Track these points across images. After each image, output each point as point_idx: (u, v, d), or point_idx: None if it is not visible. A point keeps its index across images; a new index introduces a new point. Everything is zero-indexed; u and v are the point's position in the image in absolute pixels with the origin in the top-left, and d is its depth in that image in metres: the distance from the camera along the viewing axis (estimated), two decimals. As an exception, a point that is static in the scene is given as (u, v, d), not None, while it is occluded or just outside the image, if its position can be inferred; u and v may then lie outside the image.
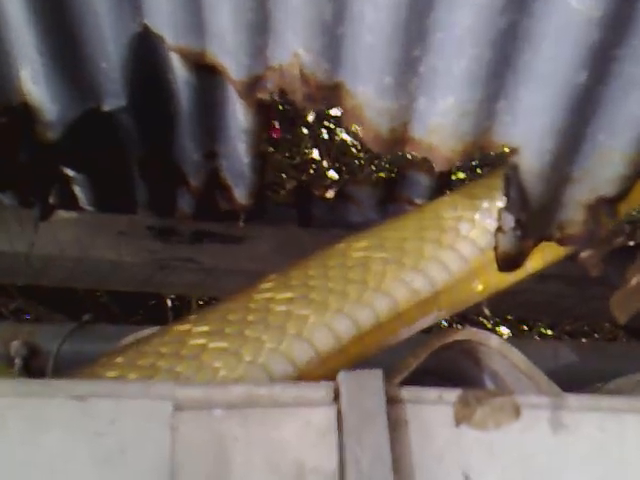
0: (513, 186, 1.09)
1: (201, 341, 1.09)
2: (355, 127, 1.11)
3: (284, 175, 3.49)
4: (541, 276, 1.36)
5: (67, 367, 1.63)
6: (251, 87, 1.17)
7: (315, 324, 1.11)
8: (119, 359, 1.09)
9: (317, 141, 3.87)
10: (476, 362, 1.26)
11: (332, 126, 3.95)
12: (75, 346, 1.70)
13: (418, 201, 1.75)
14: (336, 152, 3.88)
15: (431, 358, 1.19)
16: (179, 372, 1.04)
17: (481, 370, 1.27)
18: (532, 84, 1.03)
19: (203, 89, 1.34)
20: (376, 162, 3.84)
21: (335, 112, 3.96)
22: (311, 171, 3.76)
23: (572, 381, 1.29)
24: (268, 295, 1.15)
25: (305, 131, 3.82)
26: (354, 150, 4.03)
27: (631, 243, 1.64)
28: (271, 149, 3.35)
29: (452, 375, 1.36)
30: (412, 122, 1.11)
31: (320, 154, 3.84)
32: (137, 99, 1.39)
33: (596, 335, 3.70)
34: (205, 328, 1.11)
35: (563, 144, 1.07)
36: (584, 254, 1.23)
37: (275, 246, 1.76)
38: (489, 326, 3.60)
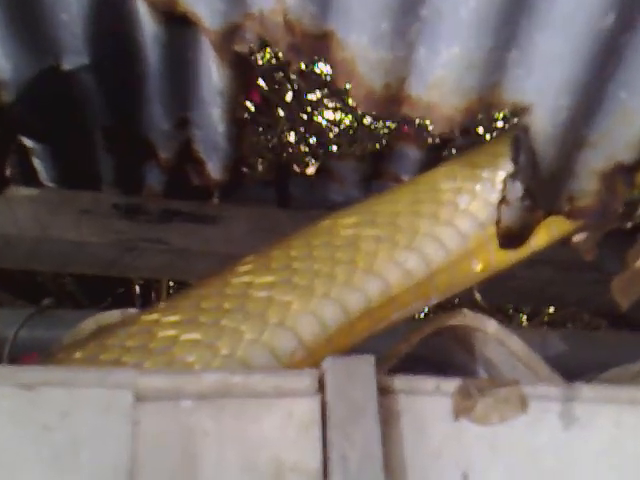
0: (523, 150, 0.99)
1: (172, 332, 0.99)
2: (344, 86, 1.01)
3: (260, 159, 3.40)
4: (530, 262, 1.27)
5: (27, 355, 1.57)
6: (228, 38, 1.07)
7: (299, 311, 1.01)
8: (78, 354, 0.98)
9: (294, 124, 3.79)
10: (469, 349, 1.18)
11: (309, 109, 3.88)
12: (34, 332, 1.62)
13: (405, 177, 1.66)
14: (314, 135, 3.80)
15: (422, 344, 1.11)
16: (147, 368, 0.94)
17: (474, 358, 1.19)
18: (549, 30, 0.94)
19: (174, 45, 1.24)
20: (355, 146, 3.77)
21: (312, 97, 3.90)
22: (286, 155, 3.67)
23: (561, 371, 1.22)
24: (246, 279, 1.04)
25: (282, 113, 3.73)
26: (331, 135, 3.96)
27: (628, 225, 1.56)
28: (247, 130, 3.27)
29: (443, 363, 1.28)
30: (410, 77, 1.01)
31: (297, 137, 3.76)
32: (101, 57, 1.29)
33: (569, 325, 3.65)
34: (176, 317, 1.00)
35: (581, 102, 0.98)
36: (578, 237, 1.15)
37: (251, 227, 1.68)
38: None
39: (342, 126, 3.99)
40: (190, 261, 1.70)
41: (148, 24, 1.20)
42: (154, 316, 1.00)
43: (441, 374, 1.30)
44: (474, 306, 3.39)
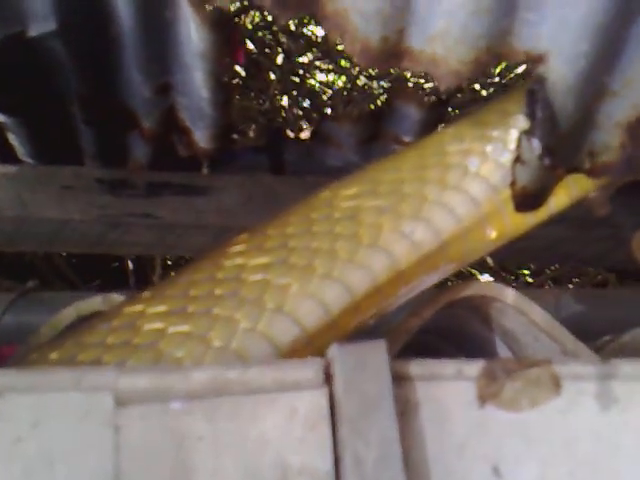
0: (539, 104, 0.89)
1: (158, 325, 0.89)
2: (337, 41, 0.90)
3: (253, 125, 3.34)
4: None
5: (11, 340, 1.52)
6: (206, -7, 0.97)
7: (299, 294, 0.91)
8: (54, 355, 0.88)
9: (286, 87, 3.72)
10: (485, 320, 1.11)
11: (301, 72, 3.81)
12: (19, 317, 1.57)
13: (406, 138, 1.58)
14: (307, 98, 3.73)
15: (433, 316, 1.04)
16: (129, 367, 0.85)
17: (491, 329, 1.13)
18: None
19: (149, 5, 1.17)
20: (349, 107, 3.71)
21: (303, 59, 3.83)
22: (280, 119, 3.61)
23: (577, 334, 1.15)
24: (239, 261, 0.94)
25: (273, 76, 3.66)
26: (325, 97, 3.90)
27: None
28: (237, 97, 3.21)
29: (455, 334, 1.21)
30: (410, 28, 0.91)
31: (290, 101, 3.69)
32: (70, 21, 1.22)
33: (577, 280, 3.60)
34: (162, 308, 0.91)
35: (602, 47, 0.88)
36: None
37: (244, 196, 1.62)
38: (467, 273, 3.48)
39: (335, 88, 3.92)
40: (181, 235, 1.65)
41: None
42: (138, 307, 0.91)
43: (457, 347, 1.24)
44: (482, 267, 3.36)
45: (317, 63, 3.86)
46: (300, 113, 3.70)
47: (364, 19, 0.89)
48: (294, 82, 3.73)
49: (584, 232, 1.69)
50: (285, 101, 3.70)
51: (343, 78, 3.90)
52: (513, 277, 3.64)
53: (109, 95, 1.40)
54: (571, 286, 3.46)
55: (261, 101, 3.54)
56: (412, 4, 0.89)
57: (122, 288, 2.54)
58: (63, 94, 1.41)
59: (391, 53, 0.91)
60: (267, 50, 3.62)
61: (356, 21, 0.89)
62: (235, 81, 2.83)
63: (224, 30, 1.13)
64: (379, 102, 3.15)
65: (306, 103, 3.74)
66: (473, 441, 0.72)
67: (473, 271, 3.45)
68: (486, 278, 3.57)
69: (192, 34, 1.16)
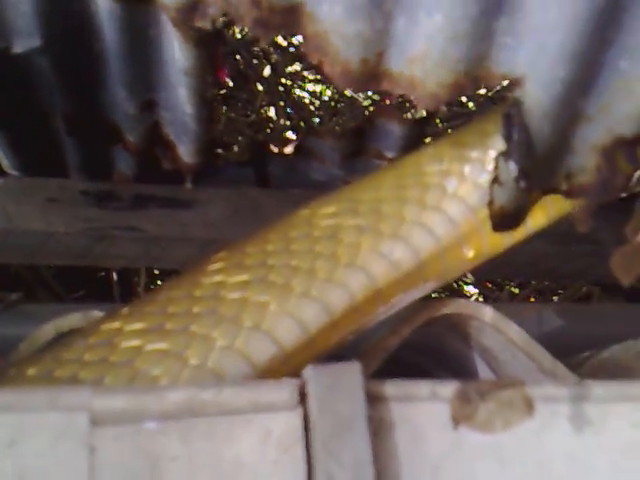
0: (515, 127, 0.90)
1: (135, 342, 0.89)
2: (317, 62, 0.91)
3: (240, 137, 3.33)
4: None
5: None
6: (188, 14, 0.97)
7: (277, 313, 0.91)
8: (32, 370, 0.88)
9: (273, 98, 3.72)
10: (464, 337, 1.12)
11: (289, 82, 3.81)
12: (3, 329, 1.53)
13: (389, 154, 1.59)
14: (293, 109, 3.73)
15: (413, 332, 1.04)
16: (104, 387, 0.85)
17: (469, 346, 1.13)
18: (542, -6, 0.84)
19: (133, 22, 1.17)
20: (335, 119, 3.71)
21: (290, 69, 3.83)
22: (268, 130, 3.61)
23: (559, 349, 1.15)
24: (218, 278, 0.94)
25: (260, 87, 3.66)
26: (312, 108, 3.90)
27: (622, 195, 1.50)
28: (225, 107, 3.21)
29: (434, 350, 1.21)
30: (389, 50, 0.91)
31: (277, 112, 3.69)
32: (55, 38, 1.22)
33: (562, 292, 3.61)
34: (140, 325, 0.90)
35: (577, 72, 0.89)
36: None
37: (229, 210, 1.63)
38: (455, 286, 3.48)
39: (323, 99, 3.92)
40: (167, 248, 1.65)
41: (103, 1, 1.13)
42: (116, 324, 0.91)
43: (437, 362, 1.24)
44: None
45: (304, 73, 3.87)
46: (287, 123, 3.70)
47: (344, 42, 0.90)
48: (281, 93, 3.73)
49: (566, 247, 1.70)
50: (272, 112, 3.71)
51: (331, 88, 3.91)
52: (497, 288, 3.65)
53: (93, 111, 1.41)
54: (555, 298, 3.47)
55: (248, 112, 3.55)
56: (392, 28, 0.90)
57: (107, 299, 2.54)
58: (46, 108, 1.41)
59: (371, 75, 0.92)
60: (255, 61, 3.62)
61: (336, 43, 0.90)
62: (222, 92, 2.84)
63: (207, 48, 1.13)
64: (365, 114, 3.16)
65: (293, 113, 3.75)
66: (447, 462, 0.72)
67: (459, 283, 3.45)
68: (471, 290, 3.58)
69: (176, 52, 1.16)
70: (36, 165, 1.58)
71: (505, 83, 0.91)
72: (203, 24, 0.97)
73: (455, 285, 3.45)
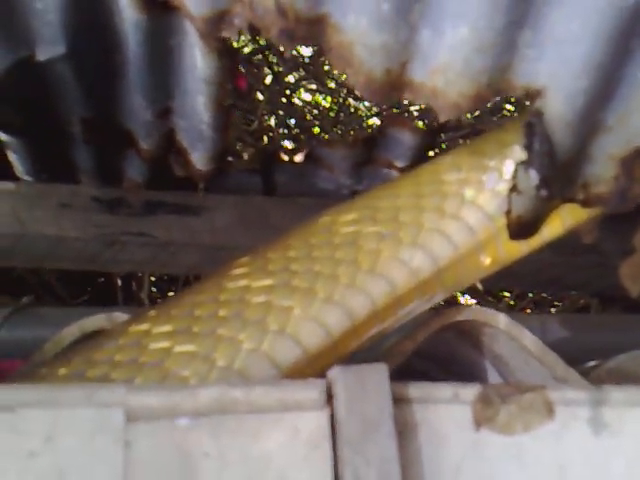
0: (537, 137, 0.92)
1: (164, 344, 0.91)
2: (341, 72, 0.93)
3: (240, 143, 3.35)
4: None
5: (6, 356, 1.52)
6: (215, 24, 0.99)
7: (301, 317, 0.94)
8: (63, 370, 0.90)
9: (274, 107, 3.74)
10: (476, 344, 1.13)
11: (288, 92, 3.83)
12: (14, 332, 1.60)
13: (399, 163, 1.60)
14: (293, 118, 3.75)
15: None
16: (139, 385, 0.86)
17: (481, 353, 1.15)
18: (565, 8, 0.86)
19: (155, 31, 1.17)
20: (335, 129, 3.73)
21: (290, 78, 3.85)
22: (266, 139, 3.62)
23: (563, 359, 1.18)
24: (243, 283, 0.96)
25: (261, 97, 3.68)
26: (310, 116, 3.92)
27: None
28: (232, 117, 3.22)
29: (443, 358, 1.23)
30: (413, 61, 0.93)
31: (277, 121, 3.72)
32: (78, 46, 1.22)
33: (558, 304, 3.62)
34: (168, 327, 0.92)
35: (599, 84, 0.91)
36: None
37: (237, 217, 1.64)
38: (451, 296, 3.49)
39: (321, 108, 3.94)
40: (175, 254, 1.66)
41: (128, 10, 1.14)
42: (144, 326, 0.93)
43: (446, 369, 1.26)
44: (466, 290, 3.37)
45: (304, 83, 3.89)
46: (286, 132, 3.72)
47: (369, 52, 0.92)
48: (282, 102, 3.74)
49: (571, 258, 1.71)
50: (272, 121, 3.73)
51: (329, 98, 3.93)
52: (494, 299, 3.66)
53: (110, 117, 1.42)
54: (553, 310, 3.49)
55: (249, 121, 3.56)
56: (416, 38, 0.92)
57: (110, 303, 2.55)
58: (65, 115, 1.42)
59: (393, 85, 0.94)
60: (255, 70, 3.64)
61: (361, 54, 0.92)
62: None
63: (229, 57, 1.15)
64: (368, 123, 3.17)
65: (292, 122, 3.76)
66: (468, 463, 0.74)
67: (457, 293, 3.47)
68: (469, 300, 3.60)
69: (197, 61, 1.17)
70: (49, 171, 1.59)
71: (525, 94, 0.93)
72: (229, 34, 0.99)
73: (453, 296, 3.48)
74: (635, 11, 0.85)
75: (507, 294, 3.69)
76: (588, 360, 1.31)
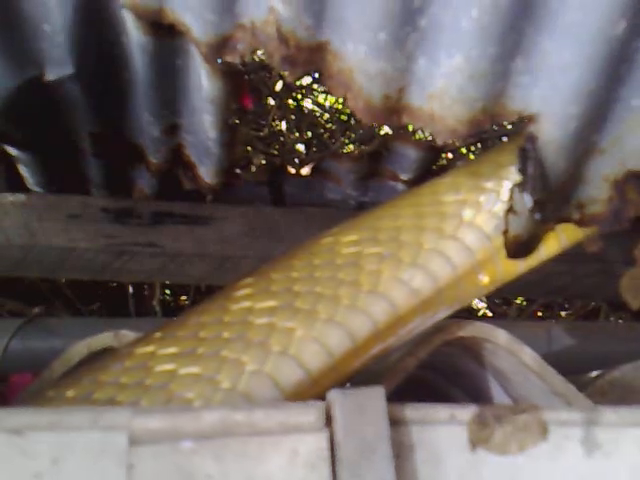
0: (530, 161, 0.94)
1: (169, 367, 0.92)
2: (341, 97, 0.95)
3: (249, 148, 3.36)
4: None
5: (18, 366, 1.54)
6: (218, 49, 1.01)
7: (303, 338, 0.94)
8: (70, 393, 0.91)
9: (285, 113, 3.74)
10: (478, 359, 1.13)
11: (299, 97, 3.83)
12: (26, 342, 1.62)
13: (403, 176, 1.62)
14: (305, 123, 3.76)
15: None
16: (143, 407, 0.88)
17: (484, 368, 1.15)
18: (557, 37, 0.88)
19: (162, 53, 1.19)
20: (347, 134, 3.73)
21: (302, 82, 3.85)
22: (277, 145, 3.64)
23: (568, 367, 1.18)
24: (246, 305, 0.97)
25: (272, 102, 3.68)
26: (322, 121, 3.92)
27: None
28: (237, 121, 3.22)
29: (449, 371, 1.24)
30: (410, 87, 0.95)
31: (288, 126, 3.72)
32: (86, 67, 1.25)
33: (568, 307, 3.62)
34: (173, 349, 0.94)
35: (591, 109, 0.92)
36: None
37: (245, 227, 1.65)
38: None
39: (333, 111, 3.94)
40: (183, 264, 1.67)
41: (135, 34, 1.15)
42: (150, 348, 0.94)
43: (448, 380, 1.27)
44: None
45: (315, 86, 3.89)
46: (297, 136, 3.73)
47: (367, 79, 0.93)
48: (292, 107, 3.75)
49: (575, 267, 1.72)
50: (284, 126, 3.73)
51: (340, 102, 3.93)
52: (504, 303, 3.66)
53: (118, 133, 1.44)
54: (563, 313, 3.49)
55: (260, 126, 3.57)
56: (413, 67, 0.94)
57: (121, 311, 2.57)
58: (74, 130, 1.44)
59: (392, 110, 0.95)
60: (267, 75, 3.64)
61: (360, 80, 0.93)
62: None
63: (233, 79, 1.16)
64: (376, 131, 3.18)
65: (304, 127, 3.77)
66: None
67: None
68: (479, 304, 3.60)
69: (202, 82, 1.19)
70: (59, 183, 1.61)
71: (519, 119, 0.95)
72: (232, 59, 1.01)
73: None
74: (624, 39, 0.86)
75: (519, 299, 3.69)
76: (593, 368, 1.33)
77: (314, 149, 3.65)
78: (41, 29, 1.18)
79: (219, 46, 1.00)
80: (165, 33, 1.12)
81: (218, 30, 1.00)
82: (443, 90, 0.93)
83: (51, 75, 1.24)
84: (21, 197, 1.57)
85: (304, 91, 3.88)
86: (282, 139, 3.70)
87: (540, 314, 3.65)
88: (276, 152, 3.40)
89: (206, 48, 1.00)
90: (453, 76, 0.92)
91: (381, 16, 0.88)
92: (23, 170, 1.57)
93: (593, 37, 0.86)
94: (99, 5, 1.15)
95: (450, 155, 2.72)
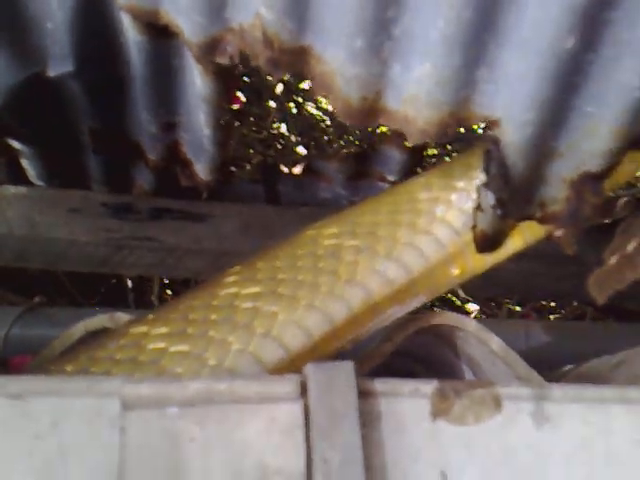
0: (494, 162, 1.01)
1: (161, 345, 0.99)
2: (322, 98, 1.02)
3: (251, 150, 3.40)
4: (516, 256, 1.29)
5: (18, 354, 1.58)
6: (209, 50, 1.07)
7: (285, 321, 1.01)
8: (69, 367, 0.98)
9: (285, 115, 3.78)
10: (452, 347, 1.20)
11: (300, 100, 3.87)
12: (26, 331, 1.65)
13: (390, 177, 1.68)
14: (304, 126, 3.79)
15: (408, 340, 1.13)
16: (134, 377, 0.94)
17: (457, 355, 1.21)
18: (514, 49, 0.95)
19: (158, 53, 1.25)
20: (345, 137, 3.76)
21: (304, 85, 3.89)
22: (278, 146, 3.67)
23: (544, 363, 1.23)
24: (233, 290, 1.04)
25: (273, 104, 3.72)
26: (323, 125, 3.95)
27: (607, 221, 1.58)
28: (237, 123, 3.27)
29: (427, 359, 1.30)
30: (385, 91, 1.02)
31: (288, 128, 3.76)
32: (86, 64, 1.31)
33: (563, 312, 3.67)
34: (164, 330, 1.00)
35: (547, 116, 0.99)
36: (558, 232, 1.17)
37: (241, 224, 1.69)
38: (458, 303, 3.55)
39: (331, 113, 3.98)
40: (181, 258, 1.70)
41: (132, 33, 1.21)
42: (143, 328, 1.01)
43: (427, 369, 1.33)
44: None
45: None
46: (297, 139, 3.76)
47: (346, 81, 1.00)
48: (292, 109, 3.78)
49: (553, 268, 1.78)
50: (284, 128, 3.77)
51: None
52: (496, 306, 3.71)
53: (118, 130, 1.49)
54: (552, 317, 3.54)
55: (260, 129, 3.60)
56: (388, 72, 1.01)
57: (121, 305, 2.61)
58: (75, 126, 1.49)
59: (369, 112, 1.02)
60: (268, 78, 3.67)
61: (339, 83, 1.00)
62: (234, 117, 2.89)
63: (225, 79, 1.22)
64: (372, 133, 3.23)
65: (304, 130, 3.80)
66: (425, 450, 0.82)
67: (461, 300, 3.53)
68: (472, 307, 3.65)
69: (196, 81, 1.24)
70: (60, 177, 1.65)
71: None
72: (222, 60, 1.08)
73: (460, 303, 3.54)
74: (574, 53, 0.93)
75: (509, 301, 3.73)
76: (569, 363, 1.39)
77: (313, 151, 3.68)
78: (44, 26, 1.24)
79: (209, 47, 1.07)
80: (160, 34, 1.18)
81: (208, 32, 1.06)
82: (415, 95, 1.00)
83: (52, 72, 1.29)
84: (23, 190, 1.62)
85: (304, 94, 3.91)
86: (282, 141, 3.74)
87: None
88: (274, 154, 3.44)
89: (197, 49, 1.07)
90: (423, 82, 0.99)
91: (357, 24, 0.95)
92: (25, 163, 1.61)
93: (545, 50, 0.93)
94: (98, 6, 1.21)
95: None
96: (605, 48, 0.95)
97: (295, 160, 1.84)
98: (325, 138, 3.84)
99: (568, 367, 1.36)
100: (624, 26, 0.92)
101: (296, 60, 1.00)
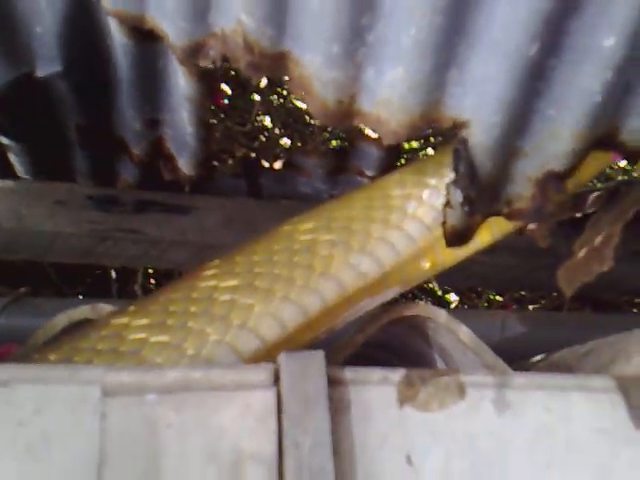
0: (462, 161, 1.05)
1: (141, 335, 1.02)
2: (300, 99, 1.06)
3: (235, 143, 3.41)
4: (491, 248, 1.33)
5: (3, 344, 1.60)
6: (192, 54, 1.11)
7: (261, 313, 1.05)
8: (52, 356, 1.01)
9: (269, 108, 3.79)
10: (424, 337, 1.24)
11: (284, 92, 3.88)
12: (12, 320, 1.67)
13: (369, 172, 1.72)
14: (288, 119, 3.81)
15: (382, 331, 1.17)
16: (115, 365, 0.98)
17: (430, 346, 1.25)
18: (482, 53, 0.99)
19: (143, 56, 1.29)
20: (329, 130, 3.78)
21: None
22: (263, 139, 3.68)
23: (519, 353, 1.30)
24: (212, 283, 1.08)
25: (257, 97, 3.73)
26: (307, 117, 3.97)
27: (578, 215, 1.63)
28: (222, 115, 3.28)
29: (402, 348, 1.33)
30: (360, 94, 1.06)
31: (272, 121, 3.77)
32: (73, 65, 1.34)
33: (542, 302, 3.71)
34: (145, 321, 1.04)
35: (513, 118, 1.03)
36: (532, 226, 1.21)
37: (224, 217, 1.71)
38: (439, 293, 3.60)
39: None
40: (164, 250, 1.73)
41: (118, 36, 1.24)
42: (124, 319, 1.04)
43: (402, 360, 1.37)
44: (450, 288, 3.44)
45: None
46: (282, 132, 3.77)
47: (323, 85, 1.04)
48: (275, 105, 3.79)
49: (527, 261, 1.83)
50: (268, 121, 3.78)
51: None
52: (477, 296, 3.75)
53: (104, 127, 1.52)
54: (531, 307, 3.59)
55: (244, 121, 3.61)
56: (362, 76, 1.04)
57: (105, 295, 2.63)
58: (62, 123, 1.52)
59: (345, 113, 1.06)
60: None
61: (317, 86, 1.04)
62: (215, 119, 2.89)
63: (208, 80, 1.25)
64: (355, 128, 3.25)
65: (288, 122, 3.81)
66: (392, 435, 0.85)
67: (444, 294, 3.57)
68: (453, 298, 3.70)
69: (180, 82, 1.28)
70: (48, 171, 1.67)
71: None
72: (204, 63, 1.11)
73: (440, 293, 3.58)
74: (537, 58, 0.97)
75: (492, 294, 3.77)
76: (543, 353, 1.43)
77: (298, 144, 3.70)
78: (33, 29, 1.27)
79: (193, 51, 1.10)
80: (146, 37, 1.21)
81: (191, 37, 1.10)
82: (388, 98, 1.04)
83: (41, 72, 1.33)
84: (10, 183, 1.63)
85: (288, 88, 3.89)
86: (266, 134, 3.75)
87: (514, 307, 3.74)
88: (257, 147, 3.45)
89: (181, 53, 1.10)
90: (396, 86, 1.02)
91: (333, 31, 0.99)
92: (13, 158, 1.64)
93: (512, 53, 0.97)
94: (86, 10, 1.24)
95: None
96: (566, 55, 0.99)
97: (277, 154, 1.87)
98: (309, 130, 3.85)
99: (540, 356, 1.38)
100: (584, 35, 0.96)
101: (276, 64, 1.04)
